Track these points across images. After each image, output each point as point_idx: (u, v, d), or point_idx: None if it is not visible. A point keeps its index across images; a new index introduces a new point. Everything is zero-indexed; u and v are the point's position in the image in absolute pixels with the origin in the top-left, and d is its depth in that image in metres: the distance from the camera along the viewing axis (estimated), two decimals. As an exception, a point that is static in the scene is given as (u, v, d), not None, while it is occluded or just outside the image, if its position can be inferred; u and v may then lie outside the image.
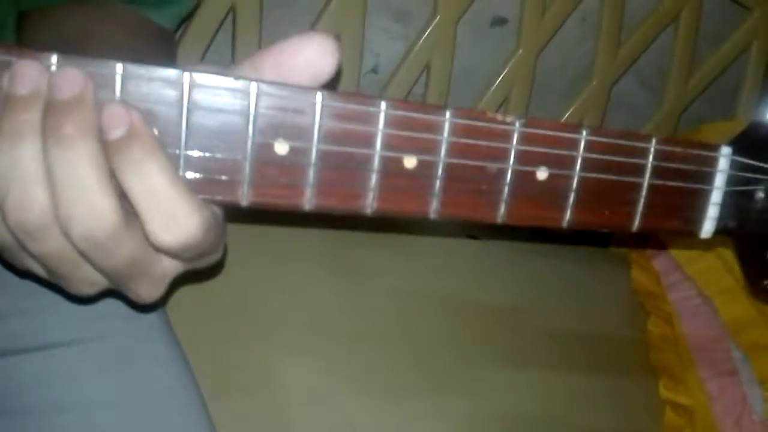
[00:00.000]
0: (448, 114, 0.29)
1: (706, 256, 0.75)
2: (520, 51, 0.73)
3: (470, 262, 0.76)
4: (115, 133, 0.25)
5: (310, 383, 0.61)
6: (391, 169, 0.29)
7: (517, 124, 0.29)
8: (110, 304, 0.43)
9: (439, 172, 0.29)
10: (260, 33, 0.67)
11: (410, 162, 0.29)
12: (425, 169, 0.29)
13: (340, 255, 0.68)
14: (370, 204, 0.29)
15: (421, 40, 0.71)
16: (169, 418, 0.43)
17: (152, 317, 0.45)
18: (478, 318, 0.71)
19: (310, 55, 0.27)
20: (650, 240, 0.81)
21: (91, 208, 0.25)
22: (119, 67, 0.26)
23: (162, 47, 0.45)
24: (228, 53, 0.68)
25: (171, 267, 0.29)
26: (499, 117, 0.29)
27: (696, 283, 0.76)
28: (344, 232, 0.69)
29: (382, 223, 0.70)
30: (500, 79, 0.74)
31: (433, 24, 0.70)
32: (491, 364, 0.69)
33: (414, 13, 0.81)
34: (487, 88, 0.76)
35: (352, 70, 0.71)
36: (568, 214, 0.30)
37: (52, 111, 0.25)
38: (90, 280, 0.28)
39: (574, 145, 0.29)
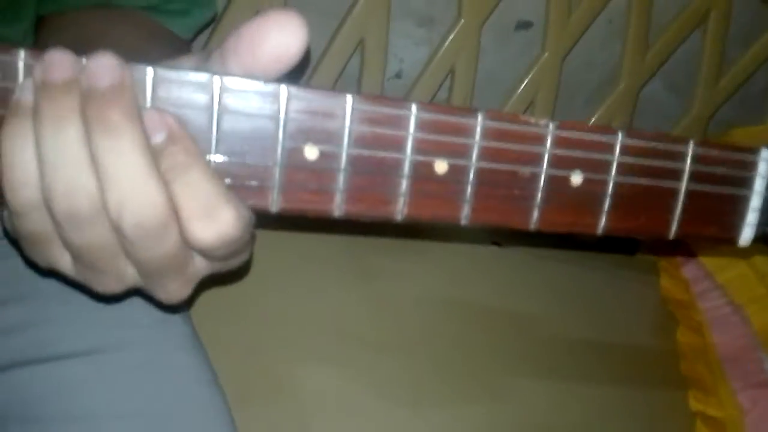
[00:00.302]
0: (479, 117, 0.28)
1: (737, 264, 0.73)
2: (546, 54, 0.73)
3: (495, 269, 0.75)
4: (157, 137, 0.25)
5: (331, 392, 0.61)
6: (422, 174, 0.28)
7: (551, 127, 0.28)
8: (133, 312, 0.43)
9: (471, 177, 0.28)
10: (284, 38, 0.67)
11: (441, 167, 0.28)
12: (456, 174, 0.28)
13: (362, 262, 0.68)
14: (400, 210, 0.29)
15: (445, 45, 0.71)
16: (195, 427, 0.42)
17: (177, 324, 0.45)
18: (503, 327, 0.70)
19: (275, 39, 0.26)
20: (679, 246, 0.79)
21: (144, 195, 0.24)
22: (150, 71, 0.26)
23: (176, 55, 0.45)
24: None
25: (201, 267, 0.28)
26: (532, 120, 0.28)
27: (726, 292, 0.74)
28: (366, 239, 0.68)
29: (405, 229, 0.70)
30: (525, 82, 0.73)
31: (458, 28, 0.70)
32: (516, 373, 0.68)
33: (438, 18, 0.80)
34: (512, 92, 0.75)
35: (376, 76, 0.71)
36: (603, 221, 0.29)
37: (93, 99, 0.24)
38: (121, 275, 0.27)
39: (609, 148, 0.29)
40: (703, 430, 0.69)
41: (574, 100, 0.86)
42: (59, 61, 0.24)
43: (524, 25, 0.81)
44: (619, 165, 0.29)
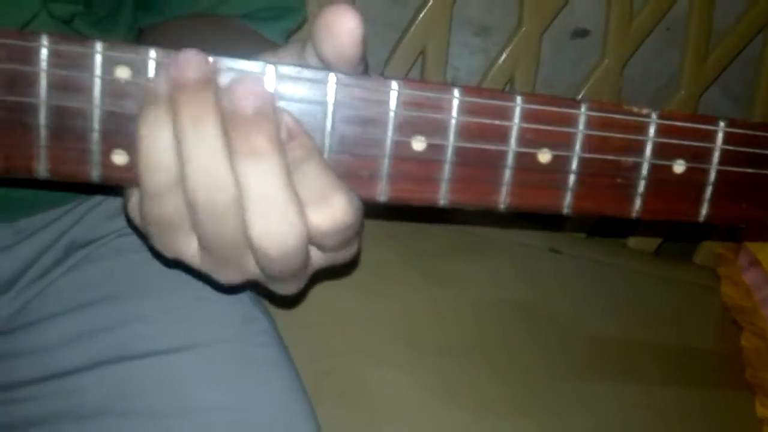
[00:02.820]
0: (583, 107, 0.29)
1: (802, 269, 0.72)
2: (606, 61, 0.73)
3: (554, 275, 0.75)
4: None
5: (398, 394, 0.61)
6: (526, 164, 0.29)
7: (654, 116, 0.29)
8: (221, 309, 0.45)
9: (574, 166, 0.29)
10: (348, 49, 0.69)
11: (544, 157, 0.29)
12: (559, 163, 0.29)
13: (426, 266, 0.68)
14: (503, 200, 0.30)
15: (505, 53, 0.71)
16: (281, 423, 0.43)
17: (262, 322, 0.46)
18: (563, 332, 0.70)
19: (345, 23, 0.26)
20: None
21: (288, 223, 0.26)
22: (270, 68, 0.27)
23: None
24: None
25: (314, 259, 0.29)
26: (635, 109, 0.29)
27: (791, 296, 0.73)
28: (431, 242, 0.69)
29: (464, 224, 0.71)
30: (585, 89, 0.74)
31: (518, 36, 0.71)
32: (579, 378, 0.68)
33: (494, 27, 0.81)
34: (571, 100, 0.75)
35: (436, 85, 0.72)
36: (705, 209, 0.30)
37: (237, 123, 0.25)
38: (244, 268, 0.28)
39: (711, 137, 0.29)
40: (772, 436, 0.68)
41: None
42: (191, 61, 0.25)
43: (581, 33, 0.82)
44: (722, 153, 0.29)
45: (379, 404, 0.60)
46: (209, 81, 0.26)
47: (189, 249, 0.28)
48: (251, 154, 0.25)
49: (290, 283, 0.29)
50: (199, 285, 0.41)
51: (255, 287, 0.31)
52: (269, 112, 0.26)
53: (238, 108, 0.25)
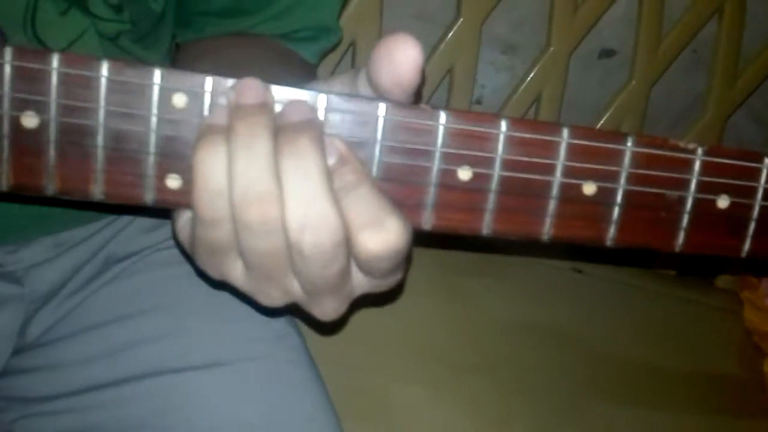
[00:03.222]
0: (629, 142, 0.29)
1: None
2: (633, 82, 0.73)
3: (576, 294, 0.75)
4: (329, 161, 0.27)
5: (424, 412, 0.61)
6: (570, 195, 0.29)
7: (699, 152, 0.29)
8: (255, 326, 0.45)
9: (619, 199, 0.29)
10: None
11: (589, 188, 0.29)
12: (604, 195, 0.29)
13: (451, 284, 0.69)
14: (546, 231, 0.30)
15: (533, 72, 0.72)
16: None
17: (294, 339, 0.46)
18: (586, 353, 0.70)
19: (406, 51, 0.27)
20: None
21: (324, 218, 0.26)
22: (322, 97, 0.28)
23: (305, 79, 0.48)
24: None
25: (359, 284, 0.29)
26: (681, 144, 0.29)
27: (816, 322, 0.73)
28: (452, 261, 0.69)
29: (489, 248, 0.71)
30: (612, 109, 0.74)
31: (546, 56, 0.71)
32: (600, 400, 0.68)
33: (521, 46, 0.82)
34: (597, 120, 0.76)
35: (462, 101, 0.73)
36: (747, 244, 0.30)
37: (285, 129, 0.26)
38: (287, 289, 0.28)
39: (756, 173, 0.29)
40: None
41: (654, 128, 0.86)
42: (251, 87, 0.27)
43: (607, 53, 0.82)
44: (766, 190, 0.29)
45: (402, 421, 0.60)
46: (266, 106, 0.26)
47: (234, 271, 0.28)
48: (293, 153, 0.26)
49: (330, 302, 0.29)
50: (234, 300, 0.42)
51: (295, 312, 0.31)
52: (315, 121, 0.27)
53: (285, 118, 0.26)
